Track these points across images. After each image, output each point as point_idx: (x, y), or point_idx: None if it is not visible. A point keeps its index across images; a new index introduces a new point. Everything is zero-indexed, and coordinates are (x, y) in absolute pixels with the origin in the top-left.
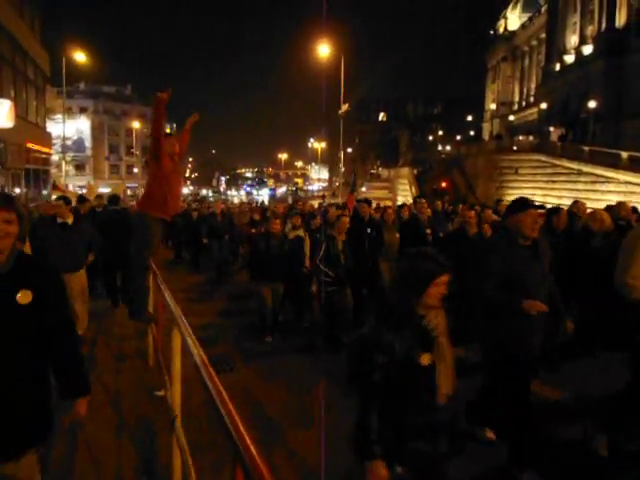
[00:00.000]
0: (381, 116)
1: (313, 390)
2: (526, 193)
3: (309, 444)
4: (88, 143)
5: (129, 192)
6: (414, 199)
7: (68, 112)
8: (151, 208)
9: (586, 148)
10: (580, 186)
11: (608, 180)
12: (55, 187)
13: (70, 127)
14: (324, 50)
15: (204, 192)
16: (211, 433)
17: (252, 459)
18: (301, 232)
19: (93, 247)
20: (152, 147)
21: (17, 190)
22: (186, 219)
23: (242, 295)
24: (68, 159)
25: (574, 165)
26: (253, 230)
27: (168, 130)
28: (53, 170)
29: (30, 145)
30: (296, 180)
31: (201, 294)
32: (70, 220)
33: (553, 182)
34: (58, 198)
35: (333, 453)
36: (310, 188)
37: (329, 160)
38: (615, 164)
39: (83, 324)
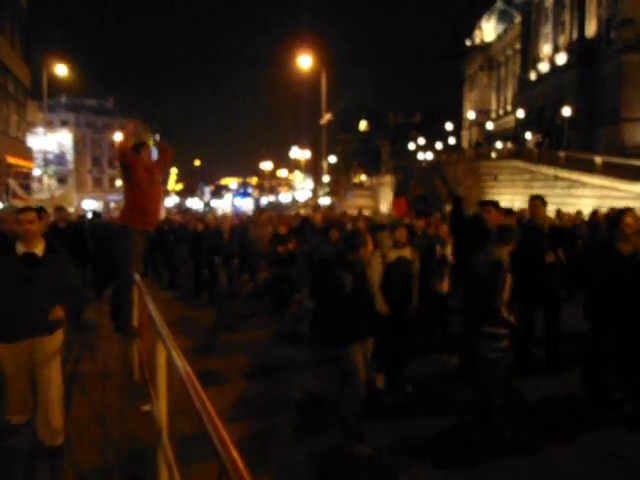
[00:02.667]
0: (363, 125)
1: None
2: (505, 199)
3: (296, 461)
4: (70, 157)
5: (112, 205)
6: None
7: (49, 126)
8: (132, 220)
9: (562, 154)
10: (557, 191)
11: (584, 185)
12: (15, 196)
13: (51, 141)
14: (306, 62)
15: (189, 203)
16: (198, 448)
17: (239, 474)
18: (407, 252)
19: (70, 299)
20: (119, 160)
21: None
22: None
23: (275, 367)
24: (50, 173)
25: (551, 171)
26: (280, 248)
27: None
28: (35, 184)
29: (11, 160)
30: (279, 189)
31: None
32: (40, 249)
33: (531, 187)
34: (23, 210)
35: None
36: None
37: (313, 169)
38: (590, 169)
39: (58, 423)
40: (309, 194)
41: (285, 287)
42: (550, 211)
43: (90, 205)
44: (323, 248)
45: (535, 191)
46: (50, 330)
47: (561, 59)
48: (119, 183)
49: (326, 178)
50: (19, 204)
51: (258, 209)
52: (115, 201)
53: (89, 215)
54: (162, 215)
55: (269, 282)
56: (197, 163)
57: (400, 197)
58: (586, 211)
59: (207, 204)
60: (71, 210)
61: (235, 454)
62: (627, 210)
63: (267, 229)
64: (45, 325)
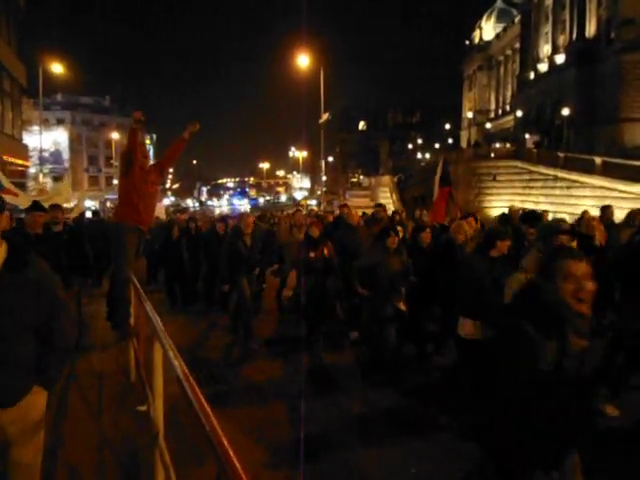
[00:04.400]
0: (361, 125)
1: (300, 405)
2: (504, 199)
3: (294, 460)
4: (66, 155)
5: (109, 204)
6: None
7: (45, 124)
8: (125, 217)
9: (561, 154)
10: (557, 191)
11: (583, 185)
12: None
13: (47, 139)
14: (304, 61)
15: (189, 202)
16: (195, 448)
17: (236, 474)
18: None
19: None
20: (124, 159)
21: None
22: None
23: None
24: (46, 171)
25: (550, 171)
26: (312, 254)
27: (148, 141)
28: (30, 183)
29: (6, 158)
30: (278, 189)
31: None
32: None
33: (530, 188)
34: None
35: (317, 468)
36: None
37: (311, 169)
38: (589, 169)
39: None
40: (306, 194)
41: (324, 306)
42: (550, 211)
43: (86, 204)
44: (473, 263)
45: (534, 191)
46: (14, 397)
47: (560, 59)
48: (116, 181)
49: (324, 178)
50: (10, 200)
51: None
52: (111, 200)
53: (88, 214)
54: (161, 214)
55: (312, 297)
56: (194, 162)
57: (446, 188)
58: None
59: (202, 203)
60: (68, 206)
61: (232, 455)
62: None
63: (301, 231)
64: (8, 389)
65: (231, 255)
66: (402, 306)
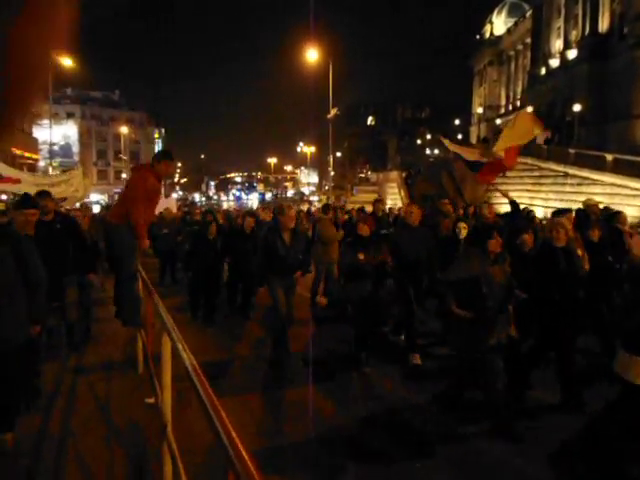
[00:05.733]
0: (370, 120)
1: (308, 396)
2: (514, 196)
3: (303, 451)
4: (75, 149)
5: (117, 197)
6: None
7: (55, 118)
8: (123, 219)
9: (572, 151)
10: (567, 188)
11: (594, 182)
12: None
13: (57, 133)
14: (312, 55)
15: (196, 197)
16: (203, 440)
17: (245, 466)
18: None
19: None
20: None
21: (3, 197)
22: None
23: None
24: (55, 165)
25: (560, 168)
26: (361, 257)
27: (157, 135)
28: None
29: (17, 151)
30: (285, 184)
31: None
32: None
33: (540, 185)
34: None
35: (326, 459)
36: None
37: (318, 164)
38: (600, 166)
39: None
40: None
41: (376, 317)
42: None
43: (94, 198)
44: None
45: (544, 188)
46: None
47: (572, 54)
48: (124, 175)
49: (332, 173)
50: (10, 188)
51: (325, 205)
52: (120, 194)
53: (96, 209)
54: (173, 207)
55: (362, 306)
56: (202, 157)
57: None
58: None
59: (209, 197)
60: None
61: (241, 447)
62: None
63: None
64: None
65: (267, 255)
66: (513, 331)
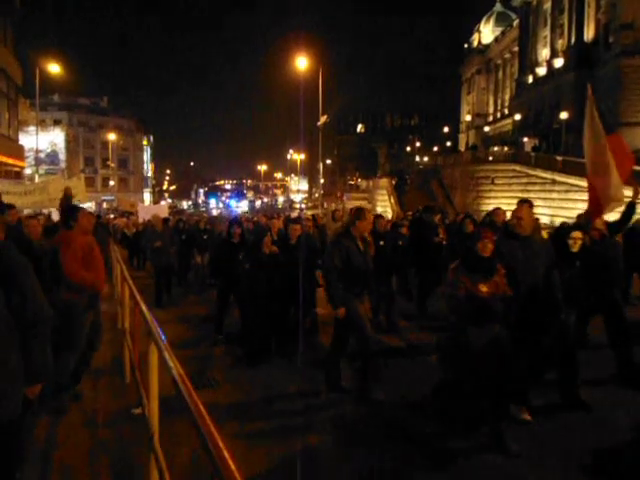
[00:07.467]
0: (359, 128)
1: (296, 405)
2: (502, 203)
3: (290, 462)
4: (62, 156)
5: (105, 205)
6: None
7: (42, 124)
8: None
9: (559, 158)
10: (554, 195)
11: (581, 189)
12: None
13: (44, 140)
14: (302, 63)
15: (184, 204)
16: (190, 451)
17: (232, 478)
18: None
19: None
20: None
21: None
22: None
23: None
24: (42, 172)
25: (548, 175)
26: (484, 289)
27: (145, 142)
28: (27, 183)
29: (2, 158)
30: (275, 191)
31: None
32: None
33: (528, 192)
34: None
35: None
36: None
37: (309, 171)
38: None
39: None
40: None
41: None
42: (545, 215)
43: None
44: None
45: (532, 195)
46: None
47: (559, 63)
48: (112, 183)
49: (322, 180)
50: None
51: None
52: (107, 201)
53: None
54: (163, 214)
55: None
56: (192, 164)
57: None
58: None
59: (197, 205)
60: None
61: (228, 457)
62: None
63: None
64: None
65: (345, 267)
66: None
